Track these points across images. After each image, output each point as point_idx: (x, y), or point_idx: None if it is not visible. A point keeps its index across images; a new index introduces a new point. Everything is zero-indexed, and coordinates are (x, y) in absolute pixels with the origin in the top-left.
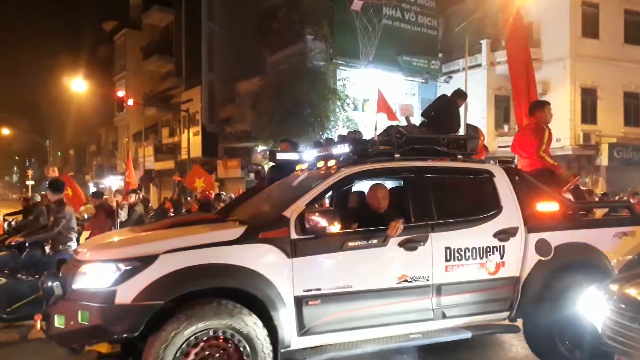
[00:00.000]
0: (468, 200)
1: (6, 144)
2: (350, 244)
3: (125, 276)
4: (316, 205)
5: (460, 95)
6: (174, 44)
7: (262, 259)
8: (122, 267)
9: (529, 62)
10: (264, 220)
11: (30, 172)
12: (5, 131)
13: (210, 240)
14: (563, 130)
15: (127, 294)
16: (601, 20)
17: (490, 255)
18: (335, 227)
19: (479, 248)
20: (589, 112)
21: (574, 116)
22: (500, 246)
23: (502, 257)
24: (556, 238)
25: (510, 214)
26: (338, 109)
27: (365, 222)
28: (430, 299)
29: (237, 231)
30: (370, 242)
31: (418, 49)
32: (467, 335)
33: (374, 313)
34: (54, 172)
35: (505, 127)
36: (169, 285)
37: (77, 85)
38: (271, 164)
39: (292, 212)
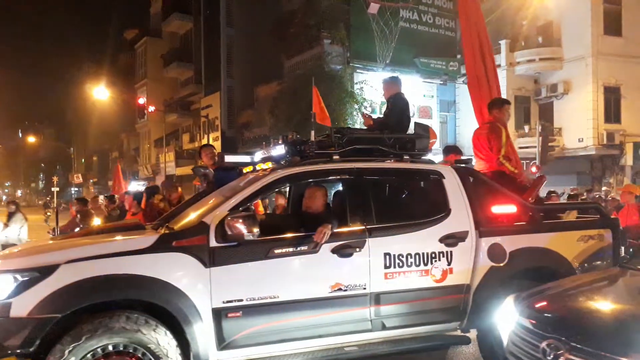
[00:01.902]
0: (413, 203)
1: (33, 151)
2: (277, 251)
3: (23, 287)
4: (255, 209)
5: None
6: (193, 51)
7: (174, 268)
8: (20, 278)
9: (484, 35)
10: (182, 227)
11: (55, 179)
12: (32, 139)
13: (118, 249)
14: (586, 130)
15: (23, 306)
16: (624, 18)
17: (435, 261)
18: (258, 233)
19: (423, 254)
20: (612, 111)
21: (597, 115)
22: (447, 252)
23: (449, 264)
24: (511, 243)
25: (459, 217)
26: (355, 112)
27: (299, 227)
28: (368, 309)
29: (149, 239)
30: (299, 248)
31: (436, 51)
32: (411, 347)
33: (304, 324)
34: (78, 179)
35: (526, 128)
36: (68, 297)
37: (100, 93)
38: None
39: (212, 218)
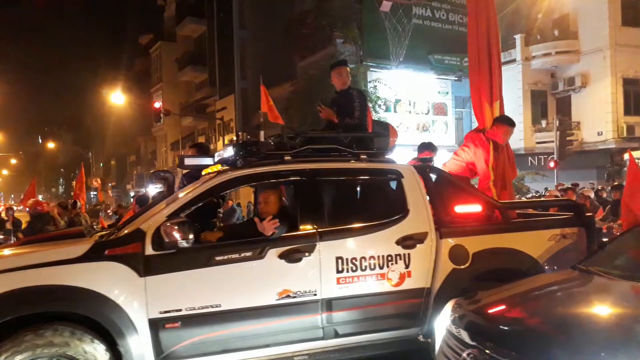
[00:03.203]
0: (369, 205)
1: (52, 157)
2: (219, 258)
3: None
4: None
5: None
6: (207, 54)
7: (106, 278)
8: None
9: (494, 32)
10: (117, 235)
11: (75, 184)
12: (51, 145)
13: (47, 259)
14: (605, 123)
15: None
16: None
17: (392, 264)
18: (192, 240)
19: (379, 257)
20: (632, 103)
21: (616, 108)
22: (405, 254)
23: (407, 267)
24: (475, 244)
25: (418, 218)
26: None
27: (256, 233)
28: (319, 316)
29: (81, 248)
30: (242, 255)
31: (450, 47)
32: (366, 354)
33: (249, 334)
34: (97, 183)
35: (543, 123)
36: None
37: (117, 98)
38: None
39: (149, 225)
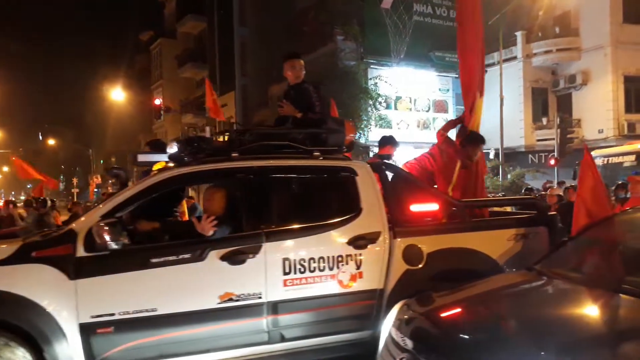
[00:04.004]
0: (320, 204)
1: (53, 154)
2: (155, 260)
3: None
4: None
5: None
6: (207, 51)
7: (32, 281)
8: None
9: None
10: (47, 236)
11: (75, 181)
12: (52, 142)
13: None
14: (606, 120)
15: None
16: None
17: (343, 265)
18: (123, 242)
19: (329, 258)
20: (633, 101)
21: (617, 106)
22: (356, 255)
23: (358, 268)
24: (430, 244)
25: (371, 217)
26: (370, 108)
27: (188, 231)
28: (264, 319)
29: (8, 250)
30: (181, 257)
31: (451, 44)
32: (315, 358)
33: (189, 339)
34: (97, 180)
35: (544, 120)
36: None
37: (117, 95)
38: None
39: (82, 226)
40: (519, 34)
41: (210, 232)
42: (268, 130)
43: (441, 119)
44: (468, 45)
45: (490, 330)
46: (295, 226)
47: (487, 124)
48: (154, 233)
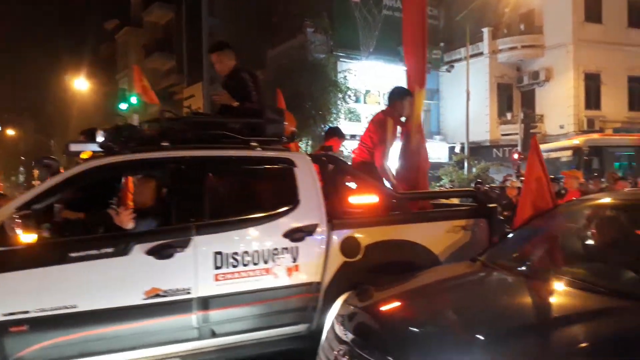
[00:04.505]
0: (256, 195)
1: (12, 144)
2: (75, 254)
3: None
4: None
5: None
6: (175, 40)
7: None
8: None
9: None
10: None
11: (36, 172)
12: (11, 132)
13: None
14: (567, 116)
15: None
16: (604, 4)
17: (278, 258)
18: (36, 235)
19: (263, 251)
20: (592, 98)
21: (578, 102)
22: (293, 247)
23: (295, 260)
24: (368, 236)
25: (309, 209)
26: (339, 101)
27: (111, 223)
28: (193, 315)
29: None
30: (103, 251)
31: None
32: (248, 354)
33: (112, 336)
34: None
35: (508, 115)
36: None
37: (80, 84)
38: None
39: None
40: (485, 30)
41: (130, 225)
42: (202, 119)
43: None
44: (410, 38)
45: (430, 322)
46: (229, 219)
47: (454, 118)
48: (77, 225)
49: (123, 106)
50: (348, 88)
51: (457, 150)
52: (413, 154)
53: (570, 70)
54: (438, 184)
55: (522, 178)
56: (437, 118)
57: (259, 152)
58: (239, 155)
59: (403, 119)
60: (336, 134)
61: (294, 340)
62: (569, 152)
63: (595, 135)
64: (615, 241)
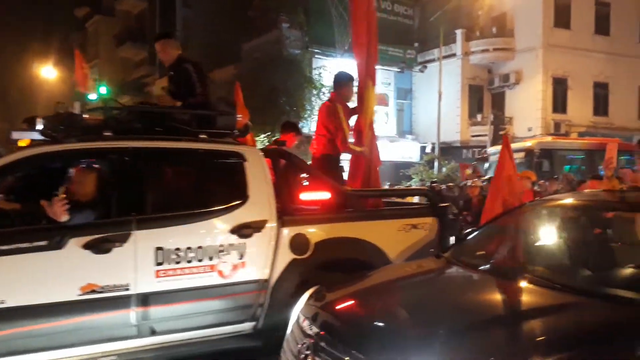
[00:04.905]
0: (203, 189)
1: None
2: (4, 247)
3: None
4: None
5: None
6: (148, 31)
7: None
8: None
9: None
10: None
11: None
12: None
13: None
14: (535, 119)
15: None
16: (573, 11)
17: (225, 255)
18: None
19: (209, 247)
20: (559, 102)
21: (546, 105)
22: (240, 244)
23: (242, 257)
24: (318, 233)
25: (258, 204)
26: (314, 97)
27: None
28: (132, 312)
29: None
30: (35, 244)
31: (394, 38)
32: (189, 352)
33: (45, 332)
34: None
35: (479, 117)
36: None
37: (48, 72)
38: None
39: None
40: (458, 32)
41: (64, 217)
42: (148, 109)
43: (382, 112)
44: (360, 35)
45: (392, 316)
46: (173, 213)
47: (426, 118)
48: (10, 216)
49: (92, 96)
50: (322, 85)
51: (428, 150)
52: (365, 152)
53: (539, 74)
54: (407, 183)
55: (483, 178)
56: (410, 117)
57: (206, 145)
58: (186, 148)
59: (350, 104)
60: (292, 129)
61: (239, 338)
62: (522, 154)
63: (548, 138)
64: (574, 240)
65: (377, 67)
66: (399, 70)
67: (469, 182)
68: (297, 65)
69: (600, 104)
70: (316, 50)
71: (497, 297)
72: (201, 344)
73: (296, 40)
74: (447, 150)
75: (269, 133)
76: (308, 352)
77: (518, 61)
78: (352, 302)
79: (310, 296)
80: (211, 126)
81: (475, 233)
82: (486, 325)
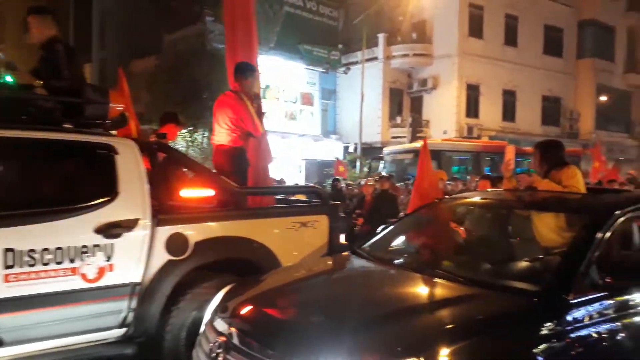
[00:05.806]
0: (63, 185)
1: None
2: None
3: None
4: None
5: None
6: (61, 17)
7: None
8: None
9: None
10: None
11: None
12: None
13: None
14: (450, 123)
15: None
16: (485, 22)
17: (88, 257)
18: None
19: (69, 248)
20: (472, 107)
21: (460, 110)
22: (107, 244)
23: (109, 259)
24: (198, 232)
25: (129, 202)
26: None
27: None
28: None
29: None
30: None
31: (319, 39)
32: None
33: None
34: None
35: (398, 119)
36: None
37: None
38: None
39: None
40: (381, 36)
41: None
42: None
43: (307, 112)
44: (236, 39)
45: (305, 313)
46: (25, 211)
47: (349, 119)
48: None
49: None
50: None
51: (351, 150)
52: (254, 148)
53: (454, 80)
54: (329, 181)
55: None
56: (334, 118)
57: (69, 135)
58: (44, 138)
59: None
60: (172, 119)
61: (109, 346)
62: (412, 155)
63: (437, 140)
64: (478, 236)
65: (302, 66)
66: (323, 70)
67: (363, 181)
68: (220, 60)
69: (509, 110)
70: None
71: (406, 290)
72: (64, 353)
73: (221, 35)
74: (368, 151)
75: (190, 128)
76: (220, 351)
77: (436, 67)
78: (265, 299)
79: (224, 295)
80: (80, 115)
81: (389, 229)
82: (393, 317)
